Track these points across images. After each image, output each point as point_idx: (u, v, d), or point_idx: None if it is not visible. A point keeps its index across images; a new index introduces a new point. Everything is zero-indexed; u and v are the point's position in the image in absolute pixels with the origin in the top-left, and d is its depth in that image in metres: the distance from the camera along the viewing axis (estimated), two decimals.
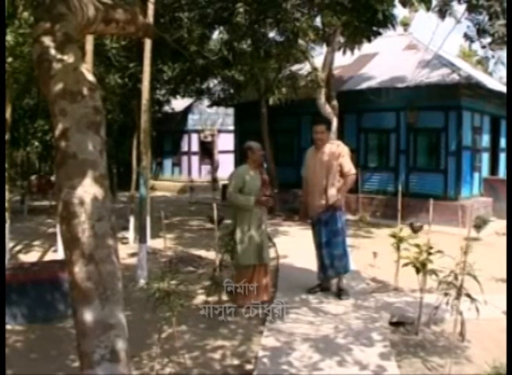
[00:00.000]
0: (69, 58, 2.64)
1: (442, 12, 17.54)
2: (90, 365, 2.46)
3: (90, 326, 2.47)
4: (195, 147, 37.95)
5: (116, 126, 21.12)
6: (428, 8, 8.60)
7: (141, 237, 10.76)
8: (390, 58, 22.47)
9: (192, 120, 37.59)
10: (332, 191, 9.36)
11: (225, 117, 36.79)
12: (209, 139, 36.86)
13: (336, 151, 9.40)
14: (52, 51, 2.63)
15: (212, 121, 37.14)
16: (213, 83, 25.83)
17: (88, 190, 2.51)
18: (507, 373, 5.22)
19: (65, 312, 8.13)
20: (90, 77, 2.69)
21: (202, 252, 13.06)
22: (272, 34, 16.18)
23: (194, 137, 37.72)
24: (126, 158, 20.72)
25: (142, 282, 10.18)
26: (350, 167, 9.40)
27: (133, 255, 12.23)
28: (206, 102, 29.23)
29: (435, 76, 19.45)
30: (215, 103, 27.72)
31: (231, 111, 31.24)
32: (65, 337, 7.47)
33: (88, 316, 2.47)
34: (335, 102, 18.21)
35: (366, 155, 21.26)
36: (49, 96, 2.61)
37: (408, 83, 19.44)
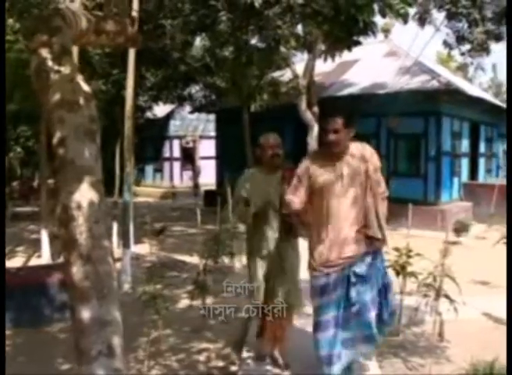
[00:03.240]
0: (66, 70, 2.78)
1: (422, 20, 17.85)
2: (87, 360, 2.61)
3: (88, 324, 2.62)
4: (177, 153, 38.08)
5: (99, 132, 21.20)
6: (406, 21, 8.76)
7: (125, 243, 10.87)
8: (371, 65, 22.72)
9: (174, 126, 37.73)
10: (375, 222, 5.38)
11: (206, 123, 36.94)
12: (191, 145, 37.00)
13: (364, 157, 5.47)
14: (50, 63, 2.76)
15: (194, 127, 37.28)
16: (195, 89, 25.97)
17: (85, 194, 2.65)
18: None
19: (51, 317, 8.25)
20: (86, 88, 2.84)
21: (185, 257, 13.18)
22: (253, 41, 16.34)
23: (176, 143, 37.85)
24: (109, 165, 20.77)
25: (126, 287, 10.29)
26: (382, 182, 5.60)
27: (116, 260, 12.32)
28: (188, 108, 29.36)
29: (415, 82, 19.72)
30: (197, 109, 27.85)
31: (212, 117, 31.41)
32: (51, 340, 7.59)
33: (86, 314, 2.62)
34: (316, 109, 18.37)
35: None
36: (47, 105, 2.75)
37: (388, 89, 19.69)
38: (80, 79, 2.85)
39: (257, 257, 6.43)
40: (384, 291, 5.50)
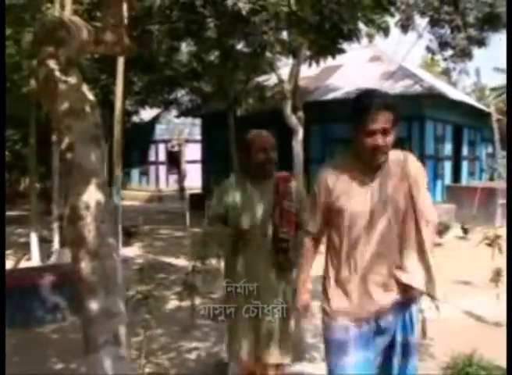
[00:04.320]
0: (72, 80, 2.99)
1: (405, 27, 18.16)
2: (95, 348, 2.84)
3: (96, 315, 2.84)
4: (162, 156, 38.28)
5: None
6: (387, 35, 9.03)
7: None
8: (355, 70, 22.99)
9: (159, 130, 37.92)
10: (413, 262, 3.89)
11: (192, 127, 37.09)
12: (176, 149, 37.13)
13: (406, 171, 3.92)
14: (57, 73, 2.97)
15: (179, 131, 37.42)
16: (181, 93, 26.14)
17: (92, 195, 2.86)
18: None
19: (43, 318, 8.39)
20: (91, 96, 3.05)
21: (172, 260, 13.37)
22: (239, 46, 16.55)
23: (162, 147, 38.06)
24: None
25: None
26: (431, 208, 3.99)
27: None
28: (174, 112, 29.55)
29: (399, 87, 20.02)
30: (183, 113, 28.03)
31: (198, 121, 31.58)
32: (45, 341, 7.75)
33: (94, 306, 2.84)
34: (301, 113, 18.55)
35: None
36: (55, 113, 2.95)
37: None
38: (85, 88, 3.07)
39: (239, 301, 4.85)
40: (406, 352, 4.01)
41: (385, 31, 8.95)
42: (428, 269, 3.76)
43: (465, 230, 17.00)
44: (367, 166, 3.79)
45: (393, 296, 3.83)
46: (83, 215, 2.84)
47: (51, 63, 3.02)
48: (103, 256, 2.89)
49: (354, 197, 3.80)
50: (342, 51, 8.18)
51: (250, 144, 4.91)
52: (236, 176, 5.18)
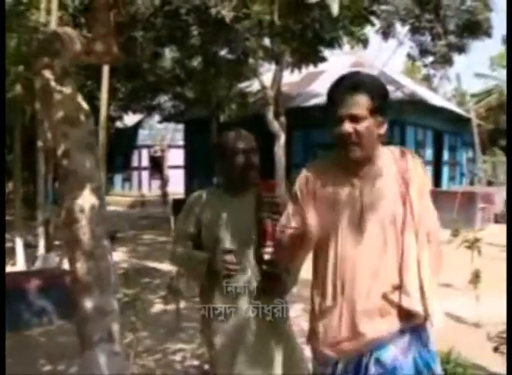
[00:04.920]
0: (68, 90, 3.14)
1: (386, 34, 18.43)
2: (90, 345, 2.99)
3: (91, 313, 3.00)
4: (145, 162, 38.38)
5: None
6: (365, 46, 9.26)
7: None
8: (337, 76, 23.05)
9: (142, 135, 38.01)
10: (414, 284, 3.09)
11: (174, 132, 37.19)
12: (159, 154, 37.23)
13: (404, 172, 3.20)
14: (53, 84, 3.11)
15: (162, 136, 37.51)
16: (164, 99, 26.23)
17: (87, 200, 3.02)
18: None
19: (31, 321, 8.48)
20: (85, 106, 3.21)
21: (157, 264, 13.48)
22: (222, 52, 16.72)
23: (144, 152, 38.16)
24: None
25: None
26: (435, 220, 3.35)
27: None
28: (157, 118, 29.66)
29: None
30: (166, 119, 28.13)
31: (180, 126, 31.68)
32: (33, 344, 7.85)
33: (89, 305, 2.99)
34: (283, 119, 18.70)
35: None
36: (51, 121, 3.10)
37: None
38: (79, 98, 3.22)
39: (217, 337, 3.81)
40: None
41: (364, 43, 9.17)
42: (423, 292, 3.06)
43: (455, 234, 17.15)
44: (351, 166, 3.12)
45: (391, 324, 3.06)
46: (78, 218, 2.99)
47: (47, 74, 3.16)
48: (98, 257, 3.04)
49: (338, 203, 3.11)
50: (323, 59, 8.39)
51: (227, 147, 3.91)
52: (213, 187, 4.26)
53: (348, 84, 3.10)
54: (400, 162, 3.19)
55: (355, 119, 3.00)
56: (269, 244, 3.64)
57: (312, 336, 3.29)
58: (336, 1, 2.55)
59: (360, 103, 3.03)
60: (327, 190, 3.15)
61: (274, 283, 3.71)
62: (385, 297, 3.04)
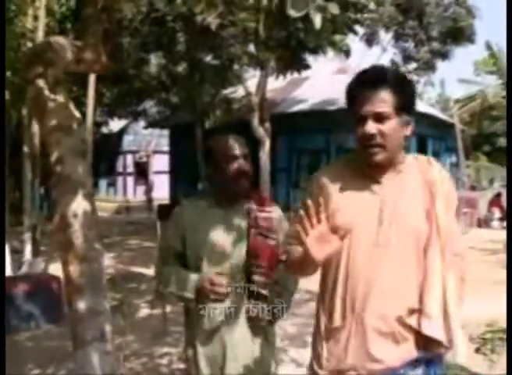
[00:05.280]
0: (61, 98, 3.25)
1: (370, 41, 18.63)
2: (83, 345, 3.10)
3: (84, 313, 3.11)
4: (130, 167, 38.36)
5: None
6: (348, 56, 9.43)
7: None
8: (321, 82, 23.35)
9: (127, 141, 38.05)
10: (437, 305, 2.69)
11: (159, 138, 37.25)
12: (144, 160, 37.29)
13: (431, 183, 2.84)
14: (46, 92, 3.22)
15: (147, 142, 37.58)
16: (149, 104, 26.29)
17: (80, 205, 3.13)
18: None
19: (18, 326, 8.54)
20: (77, 114, 3.32)
21: (143, 269, 13.55)
22: (207, 58, 16.84)
23: (129, 158, 38.20)
24: None
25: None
26: (459, 236, 3.03)
27: None
28: (141, 123, 29.72)
29: None
30: (151, 124, 28.20)
31: (165, 132, 31.75)
32: (21, 348, 7.91)
33: (82, 305, 3.10)
34: (267, 125, 18.82)
35: (298, 175, 22.07)
36: (45, 129, 3.21)
37: (338, 105, 20.31)
38: (71, 106, 3.33)
39: (202, 362, 3.45)
40: None
41: (347, 53, 9.32)
42: (446, 316, 2.67)
43: None
44: (373, 171, 2.78)
45: (406, 352, 2.69)
46: (71, 222, 3.10)
47: (41, 82, 3.26)
48: (90, 260, 3.15)
49: (357, 211, 2.76)
50: (307, 66, 8.52)
51: (218, 152, 3.48)
52: (199, 197, 3.70)
53: (371, 79, 2.74)
54: (427, 173, 2.86)
55: (379, 118, 2.68)
56: (260, 264, 3.35)
57: (315, 361, 2.87)
58: (319, 15, 2.67)
59: (386, 100, 2.69)
60: (343, 196, 2.80)
61: (264, 308, 3.37)
62: (402, 320, 2.66)
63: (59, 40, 3.67)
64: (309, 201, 2.68)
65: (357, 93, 2.75)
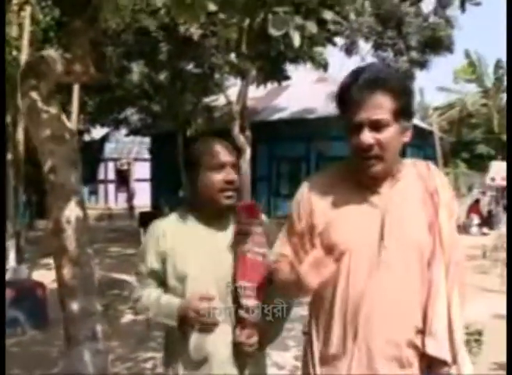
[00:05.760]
0: (53, 110, 3.41)
1: (349, 51, 18.86)
2: (76, 343, 3.28)
3: (77, 314, 3.28)
4: (111, 175, 38.39)
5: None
6: (326, 70, 9.70)
7: None
8: (301, 91, 23.56)
9: (109, 149, 38.08)
10: (443, 324, 2.46)
11: (140, 146, 37.29)
12: (125, 167, 37.33)
13: (432, 191, 2.58)
14: (40, 104, 3.39)
15: (128, 150, 37.63)
16: (130, 112, 26.34)
17: (73, 212, 3.29)
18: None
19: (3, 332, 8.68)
20: (69, 125, 3.49)
21: (124, 276, 13.65)
22: (189, 67, 16.99)
23: (111, 166, 38.20)
24: None
25: None
26: (462, 253, 2.75)
27: None
28: (123, 131, 29.77)
29: None
30: (133, 132, 28.26)
31: (147, 139, 31.85)
32: (7, 353, 8.01)
33: (75, 306, 3.28)
34: (248, 133, 18.97)
35: (278, 182, 22.25)
36: (38, 139, 3.37)
37: (318, 114, 20.54)
38: (64, 118, 3.50)
39: None
40: None
41: (325, 67, 9.54)
42: (452, 336, 2.47)
43: None
44: (370, 181, 2.53)
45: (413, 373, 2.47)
46: (65, 228, 3.27)
47: (34, 95, 3.43)
48: (82, 264, 3.33)
49: (355, 227, 2.49)
50: (287, 77, 8.72)
51: (201, 160, 3.07)
52: (181, 209, 3.22)
53: (367, 80, 2.41)
54: (427, 180, 2.61)
55: (377, 126, 2.40)
56: (247, 285, 2.91)
57: None
58: (297, 34, 2.84)
59: (384, 105, 2.41)
60: (337, 209, 2.51)
61: (251, 334, 2.96)
62: (411, 342, 2.45)
63: (50, 53, 3.82)
64: (298, 220, 2.59)
65: (351, 96, 2.43)
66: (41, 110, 3.36)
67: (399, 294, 2.43)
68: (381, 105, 2.40)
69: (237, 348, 2.95)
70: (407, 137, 2.55)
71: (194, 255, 2.98)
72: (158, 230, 3.11)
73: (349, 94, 2.44)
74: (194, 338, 2.92)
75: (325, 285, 2.46)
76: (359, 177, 2.54)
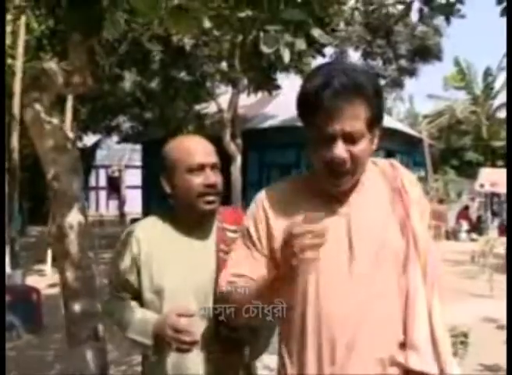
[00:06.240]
0: (55, 121, 3.59)
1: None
2: (78, 343, 3.46)
3: (79, 315, 3.46)
4: (103, 182, 38.50)
5: (31, 161, 21.60)
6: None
7: None
8: (292, 98, 23.58)
9: (100, 156, 38.19)
10: (424, 334, 2.23)
11: (131, 153, 37.40)
12: (116, 174, 37.44)
13: (400, 191, 2.37)
14: (43, 115, 3.56)
15: (119, 157, 37.73)
16: (122, 119, 26.44)
17: (75, 217, 3.47)
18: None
19: None
20: (71, 135, 3.67)
21: None
22: (181, 75, 17.16)
23: (102, 172, 38.30)
24: (42, 193, 21.08)
25: None
26: (434, 247, 2.40)
27: (52, 285, 12.78)
28: (114, 138, 29.88)
29: None
30: (124, 139, 28.38)
31: (138, 146, 31.96)
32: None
33: (77, 308, 3.45)
34: (239, 140, 19.16)
35: None
36: (41, 149, 3.54)
37: None
38: (66, 128, 3.68)
39: None
40: None
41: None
42: (435, 345, 2.23)
43: None
44: (337, 194, 2.30)
45: None
46: (68, 233, 3.45)
47: (37, 106, 3.60)
48: (84, 267, 3.51)
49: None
50: (278, 87, 8.89)
51: (175, 161, 2.80)
52: (161, 215, 2.95)
53: (343, 86, 2.11)
54: (392, 179, 2.40)
55: (352, 138, 2.13)
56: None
57: None
58: (287, 51, 3.03)
59: (360, 115, 2.14)
60: (296, 218, 2.04)
61: (233, 353, 2.68)
62: (388, 358, 2.21)
63: (51, 65, 3.99)
64: (255, 233, 2.36)
65: (321, 103, 2.12)
66: (44, 121, 3.52)
67: (375, 307, 2.20)
68: (358, 116, 2.13)
69: (221, 365, 2.66)
70: (375, 144, 2.28)
71: (172, 265, 2.71)
72: (133, 234, 2.84)
73: (319, 101, 2.12)
74: (172, 358, 2.65)
75: (293, 304, 2.24)
76: (324, 188, 2.29)
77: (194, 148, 2.77)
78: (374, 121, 2.19)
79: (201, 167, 2.71)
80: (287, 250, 1.94)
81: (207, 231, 2.81)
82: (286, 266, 2.00)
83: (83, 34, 3.70)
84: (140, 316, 2.70)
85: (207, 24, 3.24)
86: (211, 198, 2.72)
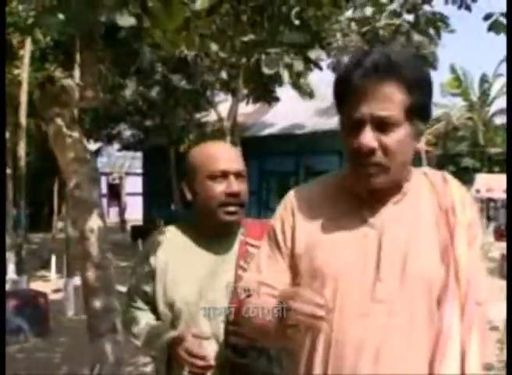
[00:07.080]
0: (76, 134, 3.94)
1: (336, 69, 19.35)
2: (99, 336, 3.80)
3: (99, 310, 3.81)
4: (103, 189, 38.65)
5: (31, 168, 21.83)
6: (311, 97, 10.27)
7: (68, 272, 11.76)
8: (290, 106, 23.96)
9: (100, 163, 38.23)
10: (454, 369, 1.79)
11: (132, 160, 37.51)
12: (117, 181, 37.54)
13: (449, 209, 1.94)
14: (64, 129, 3.90)
15: (120, 164, 37.84)
16: (123, 127, 26.59)
17: (95, 222, 3.81)
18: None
19: (8, 340, 8.88)
20: (90, 147, 4.02)
21: (119, 287, 14.05)
22: (181, 83, 17.42)
23: (103, 180, 38.39)
24: (42, 200, 21.31)
25: (70, 313, 11.07)
26: (482, 279, 1.99)
27: (56, 291, 12.97)
28: (115, 146, 30.01)
29: (332, 123, 21.02)
30: (125, 147, 28.52)
31: (139, 154, 32.11)
32: (12, 360, 8.24)
33: (97, 304, 3.80)
34: (239, 148, 19.38)
35: (268, 196, 22.66)
36: (63, 161, 3.89)
37: (306, 129, 21.02)
38: (84, 140, 4.03)
39: None
40: None
41: (310, 95, 10.02)
42: None
43: None
44: (369, 195, 1.96)
45: None
46: (89, 236, 3.79)
47: (58, 121, 3.94)
48: (104, 267, 3.86)
49: (344, 252, 1.93)
50: (277, 99, 9.16)
51: (198, 167, 2.57)
52: (179, 224, 2.76)
53: (374, 64, 1.83)
54: (442, 195, 2.01)
55: (383, 124, 1.83)
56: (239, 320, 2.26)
57: None
58: (286, 72, 3.37)
59: (394, 98, 1.83)
60: (326, 230, 1.98)
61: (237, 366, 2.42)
62: None
63: (70, 82, 4.33)
64: (282, 237, 2.10)
65: (351, 83, 1.85)
66: (66, 135, 3.86)
67: (396, 340, 1.85)
68: (390, 98, 1.82)
69: None
70: (419, 143, 1.97)
71: (186, 278, 2.51)
72: (153, 243, 2.67)
73: (348, 82, 1.86)
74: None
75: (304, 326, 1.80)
76: (355, 189, 1.99)
77: (217, 154, 2.56)
78: (414, 109, 1.85)
79: (224, 174, 2.50)
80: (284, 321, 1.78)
81: (228, 244, 2.58)
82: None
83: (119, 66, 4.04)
84: (156, 330, 2.53)
85: (214, 47, 3.57)
86: (232, 208, 2.50)
